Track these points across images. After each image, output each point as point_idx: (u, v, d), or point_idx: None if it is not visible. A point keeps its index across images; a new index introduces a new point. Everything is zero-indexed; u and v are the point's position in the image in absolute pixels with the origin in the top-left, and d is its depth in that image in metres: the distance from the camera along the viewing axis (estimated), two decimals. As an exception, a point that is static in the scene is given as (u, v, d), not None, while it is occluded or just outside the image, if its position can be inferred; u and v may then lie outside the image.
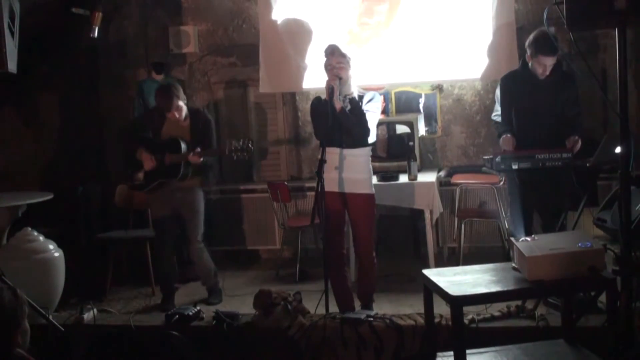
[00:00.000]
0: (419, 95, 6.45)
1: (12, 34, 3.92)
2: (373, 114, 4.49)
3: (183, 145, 4.93)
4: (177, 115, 4.95)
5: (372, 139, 4.52)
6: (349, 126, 4.38)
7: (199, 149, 4.86)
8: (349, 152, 4.43)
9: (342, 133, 4.41)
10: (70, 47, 6.54)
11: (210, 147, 5.00)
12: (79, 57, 6.68)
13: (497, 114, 4.87)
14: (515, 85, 4.68)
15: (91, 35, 6.27)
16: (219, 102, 6.93)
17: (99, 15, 6.26)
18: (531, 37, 4.51)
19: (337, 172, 4.43)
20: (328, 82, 4.36)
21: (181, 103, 4.96)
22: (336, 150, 4.42)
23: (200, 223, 5.10)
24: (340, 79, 4.36)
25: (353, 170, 4.45)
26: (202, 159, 4.89)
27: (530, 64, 4.55)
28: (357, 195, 4.46)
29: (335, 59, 4.41)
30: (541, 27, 4.17)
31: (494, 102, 5.03)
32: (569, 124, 4.57)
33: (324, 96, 4.51)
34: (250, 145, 4.78)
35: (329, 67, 4.43)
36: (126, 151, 5.21)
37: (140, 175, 5.09)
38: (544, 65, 4.47)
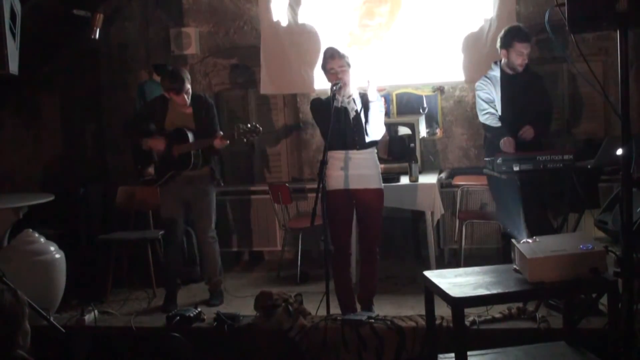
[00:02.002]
0: (420, 97, 6.45)
1: (14, 35, 3.91)
2: (381, 113, 4.53)
3: (189, 135, 4.94)
4: (186, 98, 4.95)
5: (377, 136, 4.54)
6: (375, 120, 4.39)
7: (221, 132, 4.91)
8: (354, 153, 4.44)
9: (348, 134, 4.41)
10: (72, 48, 6.55)
11: (215, 131, 5.00)
12: (80, 59, 6.69)
13: (485, 111, 4.88)
14: (489, 87, 4.86)
15: (92, 36, 6.28)
16: (220, 103, 6.92)
17: (100, 17, 6.27)
18: (502, 33, 4.78)
19: (342, 171, 4.44)
20: (335, 83, 4.36)
21: (189, 87, 4.98)
22: (341, 152, 4.43)
23: (213, 213, 5.12)
24: (341, 85, 4.37)
25: (360, 167, 4.46)
26: (227, 142, 4.91)
27: (506, 62, 4.76)
28: (366, 190, 4.47)
29: (337, 62, 4.42)
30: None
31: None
32: (542, 118, 4.80)
33: (323, 97, 4.52)
34: (258, 127, 4.80)
35: (331, 71, 4.44)
36: (133, 146, 5.22)
37: (151, 170, 5.10)
38: (521, 54, 4.66)
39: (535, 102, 4.80)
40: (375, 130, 4.44)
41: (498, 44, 4.81)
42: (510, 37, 4.65)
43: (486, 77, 4.93)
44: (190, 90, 4.99)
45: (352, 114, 4.43)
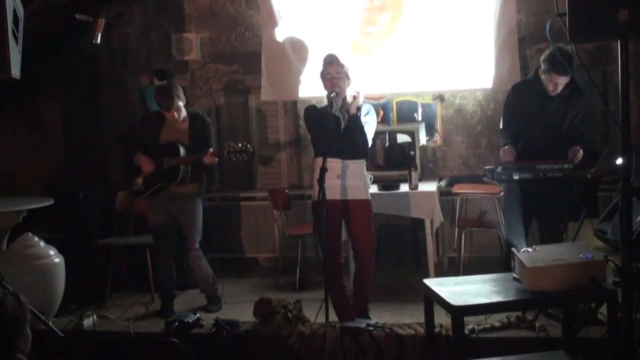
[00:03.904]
0: (420, 105, 6.46)
1: (16, 39, 3.92)
2: (371, 126, 4.53)
3: (181, 149, 4.95)
4: (176, 115, 4.95)
5: (365, 147, 4.54)
6: (356, 134, 4.39)
7: (211, 149, 4.88)
8: (350, 162, 4.46)
9: (344, 143, 4.41)
10: (73, 53, 6.56)
11: (208, 150, 4.99)
12: (81, 63, 6.70)
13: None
14: (526, 94, 4.67)
15: (94, 41, 6.29)
16: (221, 109, 6.94)
17: (102, 22, 6.29)
18: (547, 52, 4.49)
19: (339, 180, 4.44)
20: (332, 90, 4.36)
21: (181, 104, 4.97)
22: (338, 160, 4.43)
23: (197, 230, 5.09)
24: (337, 92, 4.37)
25: (354, 178, 4.47)
26: (217, 159, 4.90)
27: (542, 78, 4.56)
28: (358, 201, 4.48)
29: (335, 69, 4.43)
30: (560, 44, 4.16)
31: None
32: (574, 140, 4.55)
33: (319, 105, 4.53)
34: (248, 147, 4.80)
35: (328, 77, 4.45)
36: (125, 156, 5.22)
37: (139, 180, 5.09)
38: (555, 83, 4.46)
39: (565, 125, 4.58)
40: (362, 141, 4.44)
41: (541, 61, 4.56)
42: (548, 65, 4.42)
43: (516, 85, 4.82)
44: (181, 107, 4.97)
45: (344, 123, 4.44)
